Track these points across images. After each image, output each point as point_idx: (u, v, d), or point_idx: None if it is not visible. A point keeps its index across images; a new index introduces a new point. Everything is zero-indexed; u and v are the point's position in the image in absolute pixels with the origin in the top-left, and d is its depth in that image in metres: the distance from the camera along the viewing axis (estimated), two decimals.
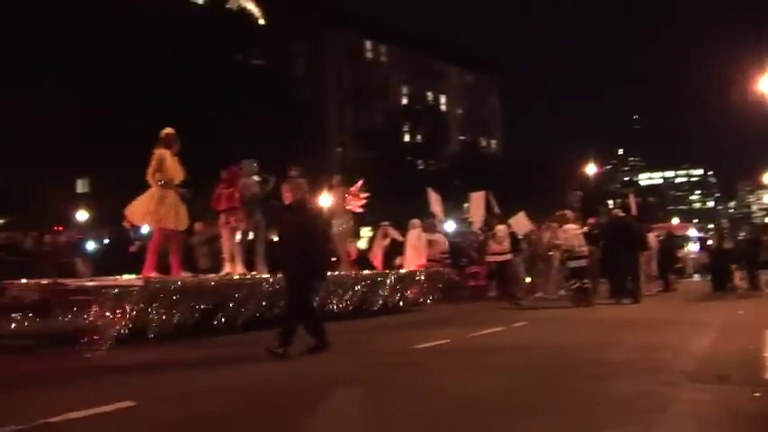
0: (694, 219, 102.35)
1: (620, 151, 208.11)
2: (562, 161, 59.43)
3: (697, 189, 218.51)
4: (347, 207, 15.51)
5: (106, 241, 24.13)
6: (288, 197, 9.01)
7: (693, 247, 37.48)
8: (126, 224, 16.99)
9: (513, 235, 19.26)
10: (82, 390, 6.68)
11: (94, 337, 9.23)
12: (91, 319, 9.37)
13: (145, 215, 11.28)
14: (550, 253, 19.17)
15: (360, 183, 16.08)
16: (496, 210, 20.54)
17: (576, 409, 5.62)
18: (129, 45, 32.50)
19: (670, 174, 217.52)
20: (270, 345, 8.18)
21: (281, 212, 9.42)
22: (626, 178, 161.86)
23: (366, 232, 33.09)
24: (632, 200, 23.32)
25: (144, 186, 11.50)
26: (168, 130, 11.46)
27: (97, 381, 7.17)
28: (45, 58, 31.25)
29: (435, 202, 20.83)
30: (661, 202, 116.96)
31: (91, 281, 11.85)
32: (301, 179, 12.92)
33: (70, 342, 9.32)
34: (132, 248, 17.20)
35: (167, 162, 11.11)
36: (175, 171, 11.27)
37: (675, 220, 62.37)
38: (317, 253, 8.95)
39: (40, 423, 5.18)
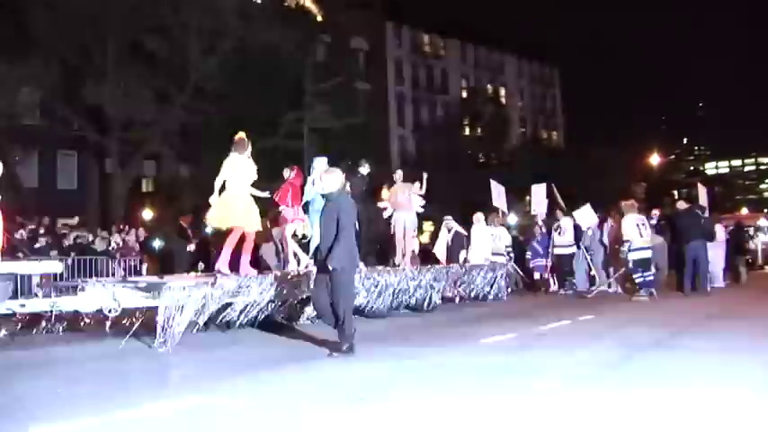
0: (765, 208, 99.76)
1: (685, 140, 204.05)
2: (625, 152, 58.64)
3: (767, 177, 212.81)
4: (415, 205, 15.49)
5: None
6: (324, 187, 8.88)
7: (764, 238, 36.49)
8: (183, 222, 17.36)
9: (576, 227, 19.13)
10: (156, 384, 6.83)
11: (166, 332, 9.43)
12: (162, 315, 9.55)
13: (221, 219, 11.49)
14: (617, 246, 18.86)
15: (424, 178, 16.01)
16: (560, 202, 20.35)
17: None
18: (190, 47, 32.92)
19: (737, 162, 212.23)
20: (334, 349, 8.25)
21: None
22: (691, 168, 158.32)
23: (428, 226, 33.05)
24: (701, 189, 22.44)
25: (207, 185, 11.73)
26: (240, 134, 11.64)
27: (169, 376, 7.32)
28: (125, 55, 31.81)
29: (499, 194, 20.73)
30: (729, 191, 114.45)
31: (160, 278, 12.09)
32: (366, 173, 13.01)
33: (142, 338, 9.54)
34: (190, 247, 17.50)
35: (237, 166, 11.30)
36: (247, 174, 11.45)
37: (744, 210, 60.97)
38: (350, 245, 8.53)
39: (119, 414, 5.33)
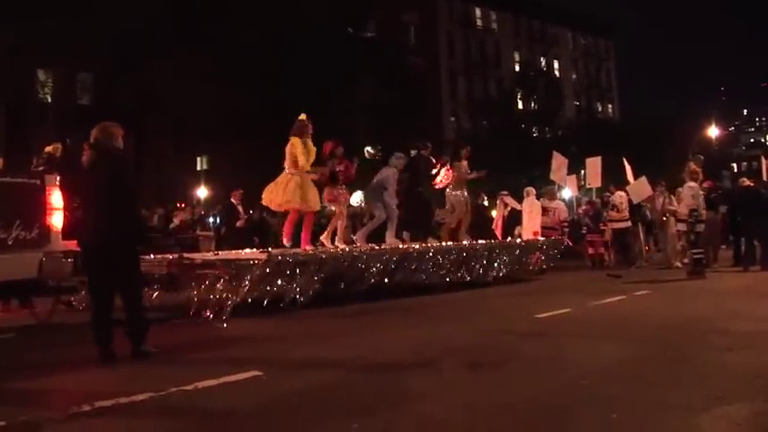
0: None
1: (745, 111, 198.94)
2: (682, 124, 57.42)
3: None
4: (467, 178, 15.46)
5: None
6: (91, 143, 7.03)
7: None
8: (234, 200, 17.61)
9: (631, 202, 18.83)
10: (211, 360, 6.89)
11: (220, 309, 9.55)
12: (217, 291, 9.67)
13: (281, 203, 11.85)
14: (664, 219, 18.41)
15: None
16: (629, 176, 19.89)
17: (704, 381, 5.43)
18: (243, 26, 33.12)
19: None
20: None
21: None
22: (751, 140, 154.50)
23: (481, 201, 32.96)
24: (765, 163, 21.43)
25: (261, 163, 11.94)
26: (301, 116, 11.91)
27: (225, 351, 7.39)
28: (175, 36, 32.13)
29: (560, 166, 20.43)
30: None
31: (215, 255, 12.27)
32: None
33: (197, 314, 9.66)
34: (240, 223, 17.66)
35: (298, 150, 11.56)
36: (308, 155, 11.72)
37: None
38: (124, 217, 6.83)
39: (174, 390, 5.39)
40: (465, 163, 15.38)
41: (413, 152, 14.58)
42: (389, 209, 13.34)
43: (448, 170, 14.87)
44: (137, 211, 7.27)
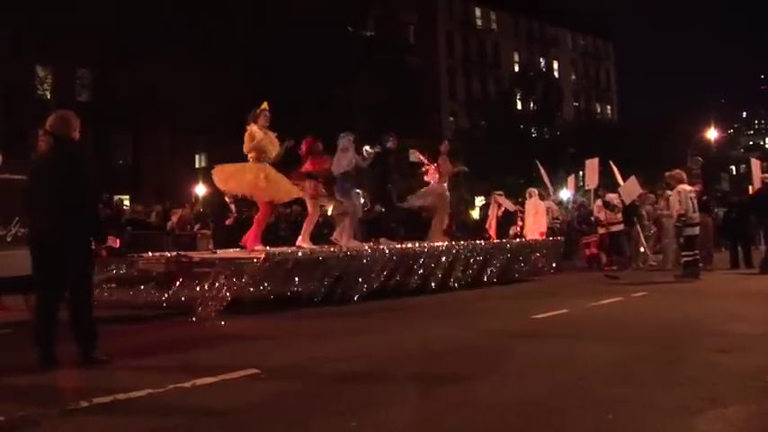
0: None
1: (744, 114, 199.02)
2: (681, 126, 57.42)
3: None
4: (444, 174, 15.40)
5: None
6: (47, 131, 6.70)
7: None
8: (227, 198, 17.52)
9: (625, 203, 18.82)
10: (209, 358, 6.89)
11: (217, 307, 9.56)
12: (215, 290, 9.67)
13: (230, 184, 11.66)
14: (663, 219, 18.41)
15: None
16: (619, 179, 19.91)
17: (701, 383, 5.45)
18: (244, 21, 33.14)
19: None
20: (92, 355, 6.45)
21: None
22: (750, 143, 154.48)
23: (479, 201, 32.97)
24: (755, 165, 21.16)
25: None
26: (263, 105, 11.83)
27: (223, 349, 7.40)
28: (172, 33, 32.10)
29: (543, 175, 20.70)
30: None
31: (213, 253, 12.26)
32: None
33: (195, 313, 9.66)
34: (229, 221, 17.57)
35: (257, 136, 11.48)
36: (268, 145, 11.55)
37: None
38: (79, 211, 6.43)
39: (171, 388, 5.40)
40: (446, 158, 15.32)
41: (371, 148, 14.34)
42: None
43: (434, 168, 14.92)
44: (94, 206, 6.86)
